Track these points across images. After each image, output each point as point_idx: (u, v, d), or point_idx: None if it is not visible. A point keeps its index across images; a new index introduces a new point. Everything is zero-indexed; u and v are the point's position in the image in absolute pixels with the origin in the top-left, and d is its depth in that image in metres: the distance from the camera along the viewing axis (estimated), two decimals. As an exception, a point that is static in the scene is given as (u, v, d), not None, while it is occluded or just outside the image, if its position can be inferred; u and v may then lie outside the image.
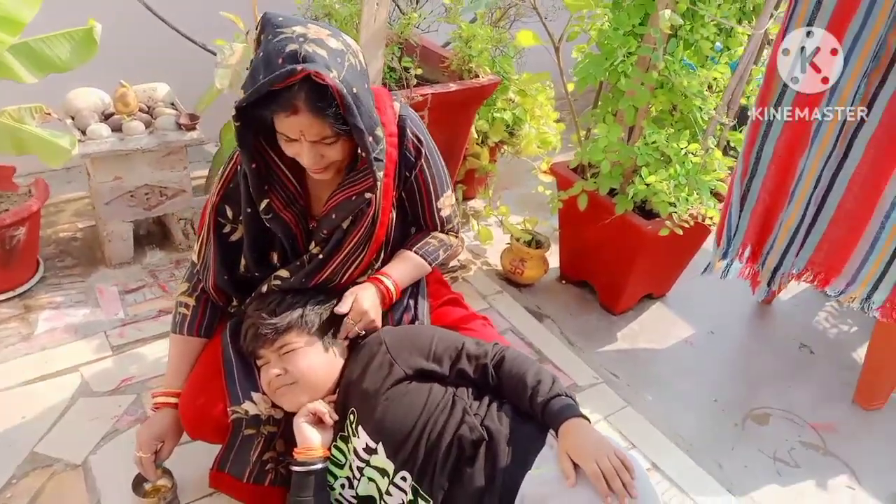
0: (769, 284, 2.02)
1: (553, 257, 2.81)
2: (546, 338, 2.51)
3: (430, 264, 1.67)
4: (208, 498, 1.79)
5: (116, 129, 2.42)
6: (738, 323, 2.78)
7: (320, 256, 1.56)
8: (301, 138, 1.36)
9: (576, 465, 1.29)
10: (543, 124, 3.02)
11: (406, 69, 2.56)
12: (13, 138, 2.09)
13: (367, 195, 1.49)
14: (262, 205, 1.49)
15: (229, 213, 1.58)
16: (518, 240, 2.69)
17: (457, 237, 1.78)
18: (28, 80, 2.08)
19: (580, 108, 2.60)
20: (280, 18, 1.34)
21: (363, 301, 1.55)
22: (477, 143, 2.99)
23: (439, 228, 1.72)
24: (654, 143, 2.16)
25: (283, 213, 1.53)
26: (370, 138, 1.39)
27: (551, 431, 1.39)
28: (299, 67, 1.25)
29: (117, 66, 2.55)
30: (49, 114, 2.24)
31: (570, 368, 2.38)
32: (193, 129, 2.47)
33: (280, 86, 1.27)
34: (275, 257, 1.61)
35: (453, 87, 2.56)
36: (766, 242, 1.95)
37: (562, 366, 2.38)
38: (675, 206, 2.17)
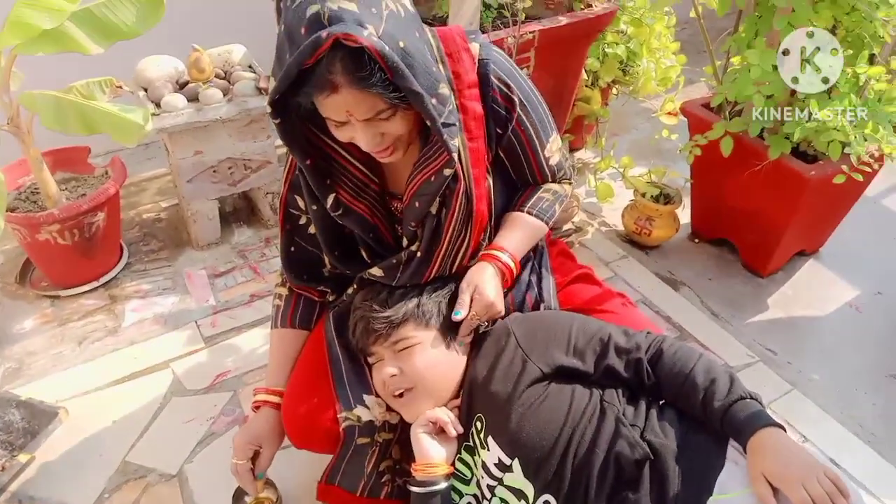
0: None
1: (683, 212, 2.45)
2: (684, 308, 2.18)
3: (546, 223, 1.39)
4: (317, 512, 1.60)
5: (192, 98, 2.21)
6: (908, 280, 2.36)
7: (419, 255, 1.30)
8: (350, 119, 1.08)
9: (774, 489, 1.03)
10: (662, 57, 2.63)
11: (506, 4, 2.21)
12: (82, 117, 1.90)
13: (447, 171, 1.20)
14: (329, 201, 1.25)
15: (300, 203, 1.34)
16: (644, 195, 2.34)
17: (570, 183, 1.47)
18: (93, 50, 1.90)
19: (711, 36, 2.19)
20: None
21: (486, 291, 1.28)
22: (586, 86, 2.63)
23: (550, 179, 1.42)
24: (819, 69, 1.76)
25: (355, 204, 1.28)
26: (433, 100, 1.09)
27: (732, 442, 1.13)
28: (324, 34, 0.96)
29: (188, 30, 2.35)
30: (120, 87, 2.08)
31: (718, 345, 2.04)
32: (274, 92, 2.23)
33: (311, 62, 0.99)
34: (364, 253, 1.37)
35: (563, 20, 2.21)
36: None
37: (708, 342, 2.05)
38: (849, 146, 1.77)
